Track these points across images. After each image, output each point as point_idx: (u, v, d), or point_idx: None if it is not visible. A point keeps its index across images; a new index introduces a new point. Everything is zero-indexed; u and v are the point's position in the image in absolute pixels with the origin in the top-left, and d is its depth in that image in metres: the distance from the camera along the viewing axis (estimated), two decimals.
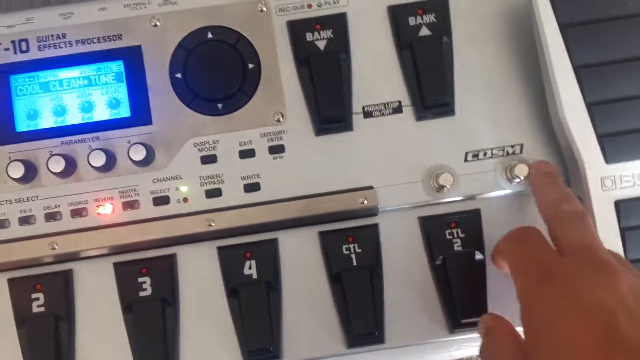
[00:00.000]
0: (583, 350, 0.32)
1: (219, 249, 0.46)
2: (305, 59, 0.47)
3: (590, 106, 0.45)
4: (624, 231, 0.44)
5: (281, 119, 0.47)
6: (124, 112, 0.48)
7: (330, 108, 0.46)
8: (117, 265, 0.46)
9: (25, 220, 0.46)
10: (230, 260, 0.46)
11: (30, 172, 0.46)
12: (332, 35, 0.48)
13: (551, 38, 0.45)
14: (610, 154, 0.44)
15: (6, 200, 0.47)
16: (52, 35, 0.48)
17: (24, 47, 0.48)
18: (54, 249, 0.45)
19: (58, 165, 0.46)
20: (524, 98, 0.48)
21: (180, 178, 0.47)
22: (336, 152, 0.47)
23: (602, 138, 0.45)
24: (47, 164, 0.45)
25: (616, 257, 0.38)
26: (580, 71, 0.45)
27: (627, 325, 0.31)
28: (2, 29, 0.48)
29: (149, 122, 0.47)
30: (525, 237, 0.40)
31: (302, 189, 0.47)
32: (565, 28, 0.45)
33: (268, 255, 0.46)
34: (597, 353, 0.31)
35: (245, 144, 0.47)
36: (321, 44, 0.47)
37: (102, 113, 0.48)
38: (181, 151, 0.47)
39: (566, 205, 0.39)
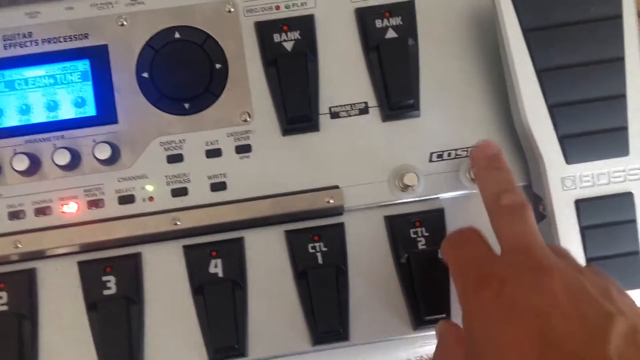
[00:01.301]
0: (519, 356, 0.31)
1: (185, 247, 0.47)
2: (273, 59, 0.48)
3: (552, 108, 0.46)
4: (583, 230, 0.46)
5: (248, 119, 0.48)
6: (90, 111, 0.48)
7: (297, 108, 0.47)
8: (81, 264, 0.47)
9: None
10: (195, 259, 0.47)
11: None
12: (299, 37, 0.49)
13: (514, 41, 0.47)
14: (571, 154, 0.46)
15: None
16: (18, 34, 0.49)
17: None
18: (18, 247, 0.46)
19: (22, 163, 0.46)
20: (487, 99, 0.49)
21: (146, 177, 0.48)
22: (303, 152, 0.48)
23: (562, 139, 0.46)
24: (10, 162, 0.46)
25: (555, 251, 0.38)
26: (542, 74, 0.46)
27: (562, 328, 0.31)
28: None
29: (114, 121, 0.48)
30: (464, 239, 0.40)
31: (269, 188, 0.47)
32: (527, 32, 0.47)
33: (234, 254, 0.47)
34: (532, 358, 0.31)
35: (211, 143, 0.48)
36: (288, 45, 0.48)
37: (67, 112, 0.48)
38: (147, 150, 0.48)
39: (506, 198, 0.39)
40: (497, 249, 0.39)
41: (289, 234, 0.47)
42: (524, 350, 0.32)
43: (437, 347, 0.41)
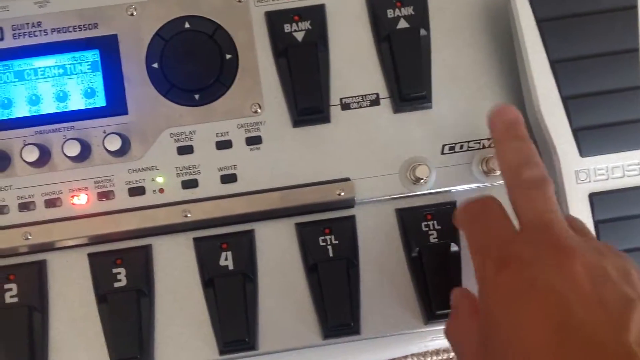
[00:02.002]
0: (537, 339, 0.31)
1: (195, 240, 0.47)
2: (283, 50, 0.48)
3: (566, 100, 0.46)
4: (597, 224, 0.46)
5: (258, 110, 0.48)
6: (100, 101, 0.48)
7: (308, 100, 0.47)
8: (91, 256, 0.47)
9: None
10: (206, 251, 0.47)
11: (4, 161, 0.47)
12: (310, 27, 0.49)
13: (528, 32, 0.46)
14: (585, 147, 0.46)
15: None
16: (27, 24, 0.49)
17: None
18: (28, 239, 0.46)
19: (32, 154, 0.46)
20: (500, 91, 0.49)
21: (156, 169, 0.48)
22: (313, 144, 0.48)
23: (577, 132, 0.46)
24: (20, 153, 0.46)
25: (576, 227, 0.38)
26: (556, 65, 0.46)
27: (582, 313, 0.31)
28: None
29: (124, 112, 0.48)
30: (484, 209, 0.39)
31: (279, 180, 0.47)
32: (541, 22, 0.46)
33: (244, 246, 0.47)
34: (550, 342, 0.30)
35: (222, 134, 0.48)
36: (299, 35, 0.48)
37: (77, 102, 0.49)
38: (157, 142, 0.48)
39: (527, 171, 0.38)
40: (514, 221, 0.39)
41: (299, 226, 0.47)
42: (541, 334, 0.31)
43: (450, 317, 0.41)
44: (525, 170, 0.39)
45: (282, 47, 0.48)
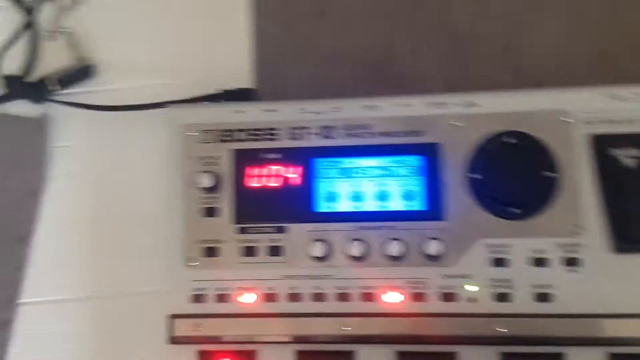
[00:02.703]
0: None
1: (504, 355, 0.47)
2: (611, 174, 0.48)
3: None
4: None
5: (579, 232, 0.48)
6: (418, 205, 0.51)
7: (638, 228, 0.46)
8: (400, 355, 0.49)
9: (318, 297, 0.50)
10: None
11: (328, 252, 0.50)
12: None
13: None
14: None
15: (302, 275, 0.51)
16: (357, 125, 0.53)
17: (329, 134, 0.53)
18: (344, 330, 0.49)
19: (358, 249, 0.49)
20: None
21: (470, 277, 0.49)
22: (637, 273, 0.47)
23: None
24: (347, 247, 0.49)
25: None
26: None
27: None
28: (311, 115, 0.54)
29: (441, 218, 0.50)
30: None
31: (597, 306, 0.47)
32: None
33: None
34: None
35: (539, 252, 0.48)
36: (630, 162, 0.48)
37: (396, 203, 0.52)
38: (471, 250, 0.49)
39: None
40: None
41: (614, 358, 0.46)
42: None
43: None
44: None
45: (610, 171, 0.48)
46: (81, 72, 0.64)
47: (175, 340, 0.51)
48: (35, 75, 0.65)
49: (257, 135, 0.54)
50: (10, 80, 0.64)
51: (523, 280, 0.48)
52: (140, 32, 0.67)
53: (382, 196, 0.52)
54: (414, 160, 0.52)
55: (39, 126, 0.63)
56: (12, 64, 0.66)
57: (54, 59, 0.65)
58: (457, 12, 0.62)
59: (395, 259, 0.50)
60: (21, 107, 0.65)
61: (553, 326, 0.47)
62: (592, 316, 0.47)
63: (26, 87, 0.64)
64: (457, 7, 0.62)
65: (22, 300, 0.60)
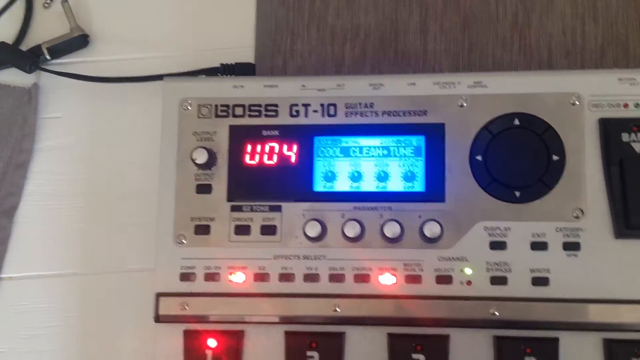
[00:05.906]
0: None
1: (497, 338, 0.53)
2: (617, 159, 0.53)
3: None
4: None
5: (580, 216, 0.54)
6: (418, 186, 0.57)
7: None
8: (391, 337, 0.55)
9: (310, 278, 0.56)
10: (508, 352, 0.53)
11: (322, 232, 0.56)
12: None
13: None
14: None
15: (294, 256, 0.57)
16: (360, 104, 0.59)
17: (331, 112, 0.59)
18: (336, 311, 0.54)
19: (353, 229, 0.55)
20: None
21: (466, 260, 0.55)
22: (638, 259, 0.52)
23: None
24: (342, 228, 0.55)
25: None
26: None
27: None
28: (314, 92, 0.59)
29: (441, 199, 0.56)
30: None
31: (595, 292, 0.53)
32: None
33: (548, 354, 0.52)
34: None
35: (538, 235, 0.54)
36: (638, 147, 0.53)
37: (396, 184, 0.57)
38: (469, 233, 0.55)
39: None
40: None
41: (609, 342, 0.52)
42: None
43: None
44: None
45: (616, 156, 0.53)
46: (75, 42, 0.70)
47: (161, 319, 0.57)
48: (27, 44, 0.71)
49: (255, 111, 0.59)
50: (1, 47, 0.69)
51: (521, 264, 0.54)
52: (137, 2, 0.72)
53: (382, 176, 0.57)
54: (416, 141, 0.57)
55: (29, 96, 0.68)
56: (5, 31, 0.72)
57: (48, 27, 0.71)
58: None
59: (391, 240, 0.55)
60: (12, 76, 0.70)
61: (548, 310, 0.53)
62: (588, 301, 0.52)
63: (18, 54, 0.69)
64: None
65: (6, 275, 0.66)
